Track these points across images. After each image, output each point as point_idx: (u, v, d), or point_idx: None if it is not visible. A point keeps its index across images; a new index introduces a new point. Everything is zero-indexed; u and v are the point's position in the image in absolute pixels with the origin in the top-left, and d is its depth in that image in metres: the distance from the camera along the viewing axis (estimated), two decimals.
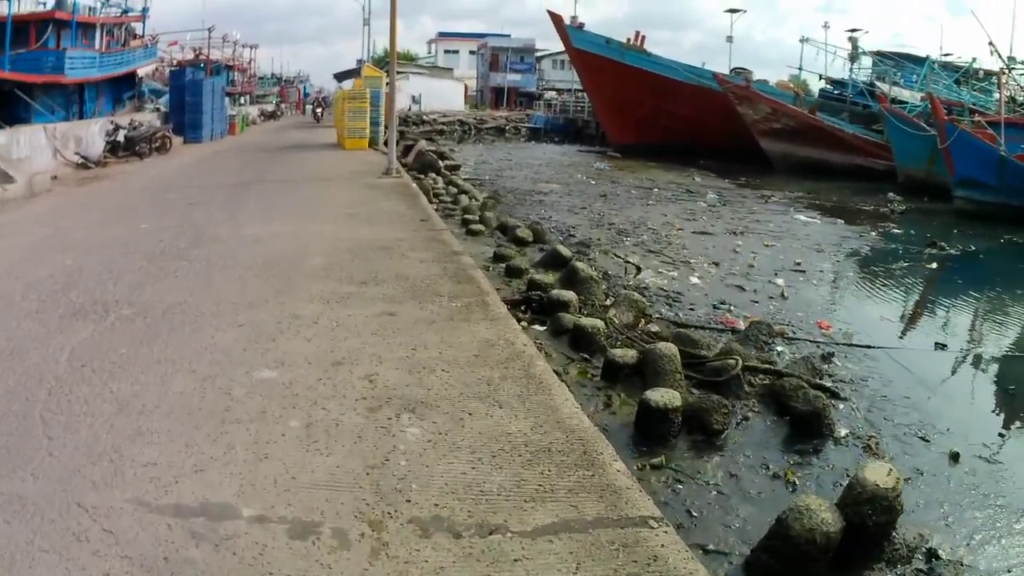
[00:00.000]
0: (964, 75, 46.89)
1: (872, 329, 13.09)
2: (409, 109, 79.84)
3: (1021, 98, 38.93)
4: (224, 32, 74.11)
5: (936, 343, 12.73)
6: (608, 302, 12.51)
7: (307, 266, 10.89)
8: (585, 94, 67.71)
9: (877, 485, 5.70)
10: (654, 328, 11.30)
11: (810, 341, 11.82)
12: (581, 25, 55.14)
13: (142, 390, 6.52)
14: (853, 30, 58.00)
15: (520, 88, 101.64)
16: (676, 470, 7.13)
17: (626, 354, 9.23)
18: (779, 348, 11.30)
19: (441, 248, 12.32)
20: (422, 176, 28.63)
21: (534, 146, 64.67)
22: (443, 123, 76.60)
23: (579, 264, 14.21)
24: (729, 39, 66.91)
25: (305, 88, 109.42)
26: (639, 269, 16.26)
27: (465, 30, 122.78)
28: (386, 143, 24.71)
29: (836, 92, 54.33)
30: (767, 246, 20.29)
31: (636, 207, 26.79)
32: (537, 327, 10.81)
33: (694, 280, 15.85)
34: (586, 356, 9.83)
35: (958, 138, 30.83)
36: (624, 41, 54.74)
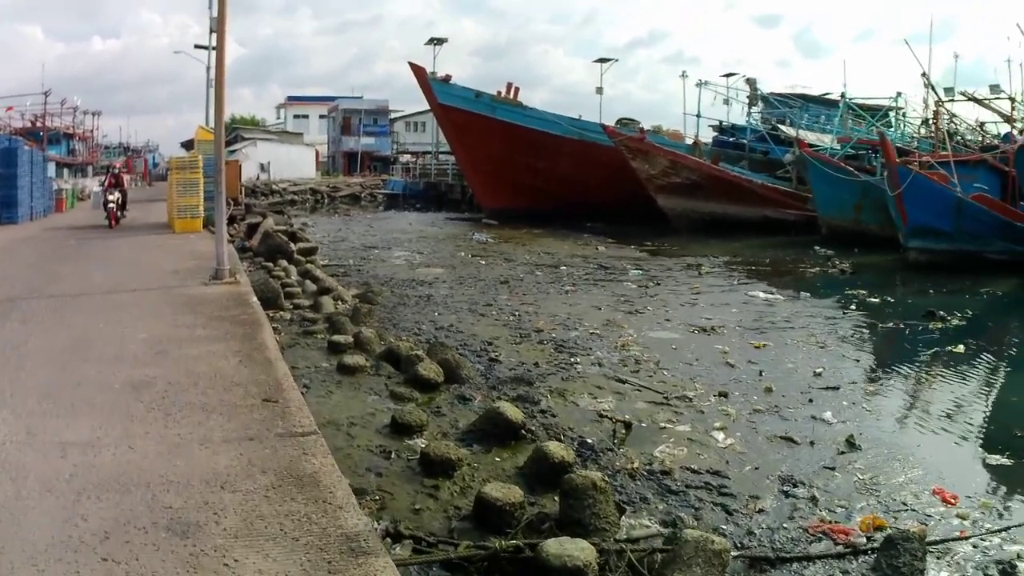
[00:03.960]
0: (883, 114, 43.38)
1: (994, 483, 9.18)
2: (257, 178, 73.27)
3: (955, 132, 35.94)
4: (63, 97, 67.52)
5: None
6: (637, 540, 6.88)
7: None
8: (451, 155, 62.27)
9: None
10: None
11: (959, 539, 7.50)
12: (447, 78, 48.65)
13: None
14: (729, 74, 54.34)
15: (374, 152, 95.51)
16: None
17: None
18: None
19: (316, 522, 5.10)
20: (270, 264, 22.55)
21: (395, 215, 58.25)
22: (294, 192, 70.65)
23: (553, 449, 8.18)
24: (599, 90, 61.81)
25: (154, 158, 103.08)
26: (628, 427, 10.08)
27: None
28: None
29: (731, 139, 50.13)
30: (759, 348, 15.42)
31: (553, 297, 20.75)
32: None
33: (719, 436, 10.06)
34: None
35: (913, 182, 27.44)
36: (495, 94, 48.78)
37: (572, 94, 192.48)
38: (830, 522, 7.78)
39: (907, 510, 8.15)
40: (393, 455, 8.44)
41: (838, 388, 12.61)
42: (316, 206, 68.26)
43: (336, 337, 13.26)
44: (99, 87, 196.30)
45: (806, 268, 28.46)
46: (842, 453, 9.65)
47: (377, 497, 7.38)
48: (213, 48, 40.18)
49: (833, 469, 9.13)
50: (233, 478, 5.76)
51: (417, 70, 48.09)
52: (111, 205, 28.11)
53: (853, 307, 20.21)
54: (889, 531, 7.43)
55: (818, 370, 13.64)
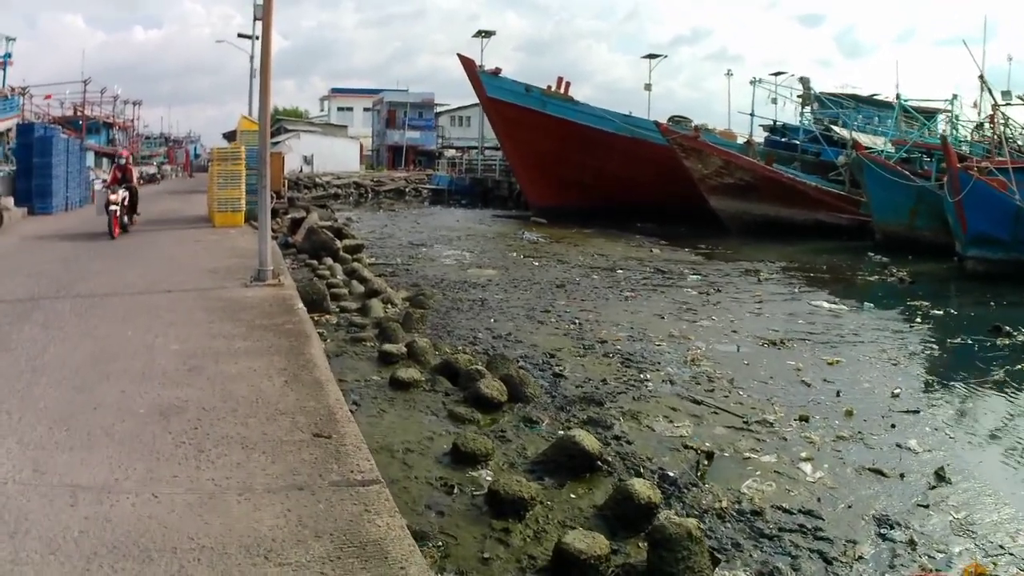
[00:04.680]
0: (932, 117, 42.49)
1: None
2: (300, 171, 72.84)
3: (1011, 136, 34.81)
4: (103, 86, 67.14)
5: None
6: None
7: None
8: (497, 151, 61.56)
9: None
10: None
11: None
12: (497, 71, 47.71)
13: None
14: (777, 73, 52.90)
15: (419, 146, 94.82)
16: None
17: None
18: None
19: None
20: (315, 262, 21.97)
21: (441, 211, 57.29)
22: (337, 186, 69.97)
23: (638, 489, 7.31)
24: (648, 87, 60.89)
25: (195, 148, 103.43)
26: (710, 457, 9.26)
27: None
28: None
29: (783, 139, 48.94)
30: (832, 364, 14.41)
31: (612, 303, 19.73)
32: None
33: (806, 469, 9.21)
34: None
35: (973, 189, 26.51)
36: (546, 88, 47.75)
37: (614, 91, 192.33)
38: (931, 570, 7.13)
39: (1005, 554, 7.48)
40: (456, 490, 7.60)
41: (918, 412, 11.84)
42: (360, 200, 67.51)
43: (387, 347, 12.44)
44: (141, 76, 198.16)
45: (864, 276, 27.55)
46: (933, 488, 8.90)
47: (440, 543, 6.57)
48: (257, 37, 39.82)
49: (927, 507, 8.39)
50: (280, 544, 4.78)
51: (466, 62, 47.21)
52: (113, 207, 21.91)
53: (918, 320, 19.30)
54: None
55: (896, 391, 12.82)
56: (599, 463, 8.28)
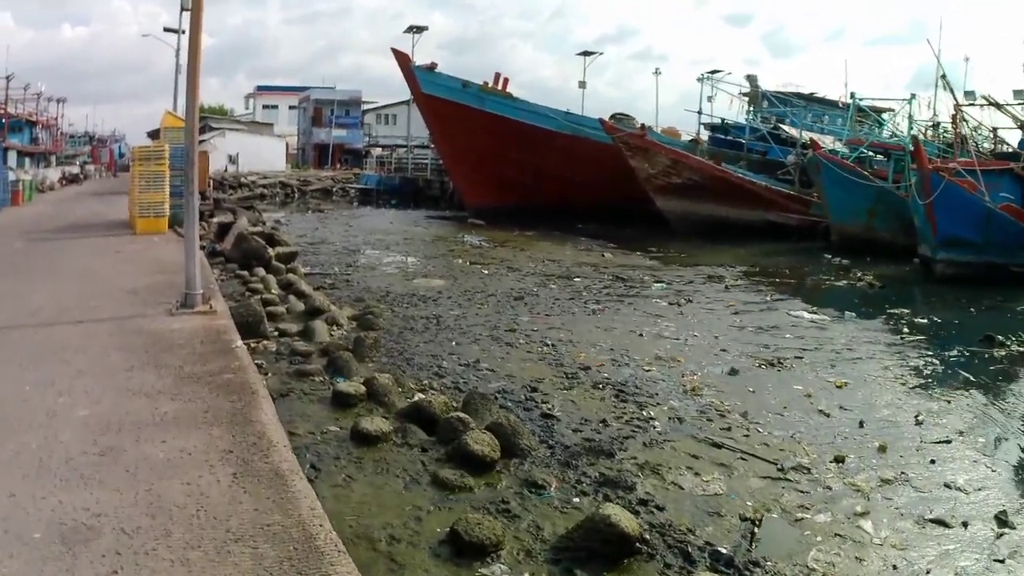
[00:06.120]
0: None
1: None
2: (225, 170, 70.32)
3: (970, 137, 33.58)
4: (27, 83, 64.31)
5: None
6: None
7: None
8: (426, 149, 60.02)
9: None
10: None
11: None
12: (433, 66, 45.43)
13: None
14: (714, 71, 51.69)
15: (346, 144, 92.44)
16: None
17: None
18: None
19: None
20: (245, 272, 19.85)
21: (372, 212, 55.08)
22: (264, 186, 67.71)
23: None
24: (582, 84, 59.49)
25: (120, 148, 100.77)
26: (757, 523, 7.59)
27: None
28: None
29: (727, 137, 47.91)
30: (840, 387, 13.07)
31: (580, 318, 17.85)
32: None
33: (867, 527, 7.81)
34: None
35: (944, 190, 25.51)
36: (483, 84, 45.87)
37: (539, 89, 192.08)
38: None
39: None
40: None
41: (950, 441, 10.67)
42: (286, 201, 65.36)
43: (342, 385, 10.45)
44: (68, 75, 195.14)
45: (831, 280, 26.34)
46: (1000, 535, 7.90)
47: None
48: (184, 31, 37.72)
49: (1003, 561, 7.39)
50: None
51: (400, 57, 45.03)
52: None
53: (906, 330, 18.08)
54: None
55: (919, 416, 11.58)
56: (638, 544, 6.56)
